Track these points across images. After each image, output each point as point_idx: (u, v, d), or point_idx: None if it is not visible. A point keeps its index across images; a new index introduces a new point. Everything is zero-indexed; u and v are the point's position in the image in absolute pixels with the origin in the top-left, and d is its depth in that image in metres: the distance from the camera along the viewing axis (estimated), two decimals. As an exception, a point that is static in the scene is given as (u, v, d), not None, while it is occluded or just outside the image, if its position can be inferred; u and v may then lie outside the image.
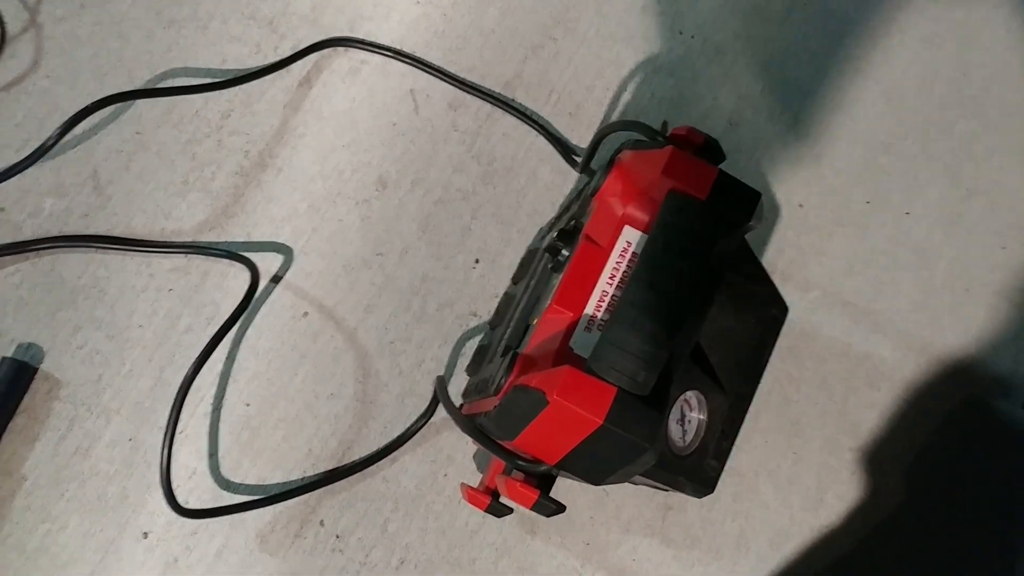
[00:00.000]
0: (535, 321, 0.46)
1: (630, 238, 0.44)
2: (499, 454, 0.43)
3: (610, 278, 0.44)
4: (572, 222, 0.48)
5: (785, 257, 0.68)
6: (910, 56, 0.74)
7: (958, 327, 0.68)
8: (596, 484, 0.43)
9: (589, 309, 0.43)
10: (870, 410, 0.66)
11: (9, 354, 0.56)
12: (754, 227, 0.44)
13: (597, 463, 0.41)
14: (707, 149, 0.45)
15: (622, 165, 0.46)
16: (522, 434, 0.41)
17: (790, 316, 0.66)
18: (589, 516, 0.60)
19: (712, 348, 0.47)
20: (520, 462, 0.44)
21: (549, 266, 0.48)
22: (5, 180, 0.57)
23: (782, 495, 0.63)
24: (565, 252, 0.46)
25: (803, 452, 0.64)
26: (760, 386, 0.64)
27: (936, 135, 0.72)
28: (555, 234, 0.47)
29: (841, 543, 0.63)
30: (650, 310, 0.39)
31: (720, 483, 0.62)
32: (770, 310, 0.51)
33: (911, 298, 0.69)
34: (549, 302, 0.44)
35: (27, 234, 0.58)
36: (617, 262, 0.44)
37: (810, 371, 0.66)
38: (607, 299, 0.44)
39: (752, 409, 0.63)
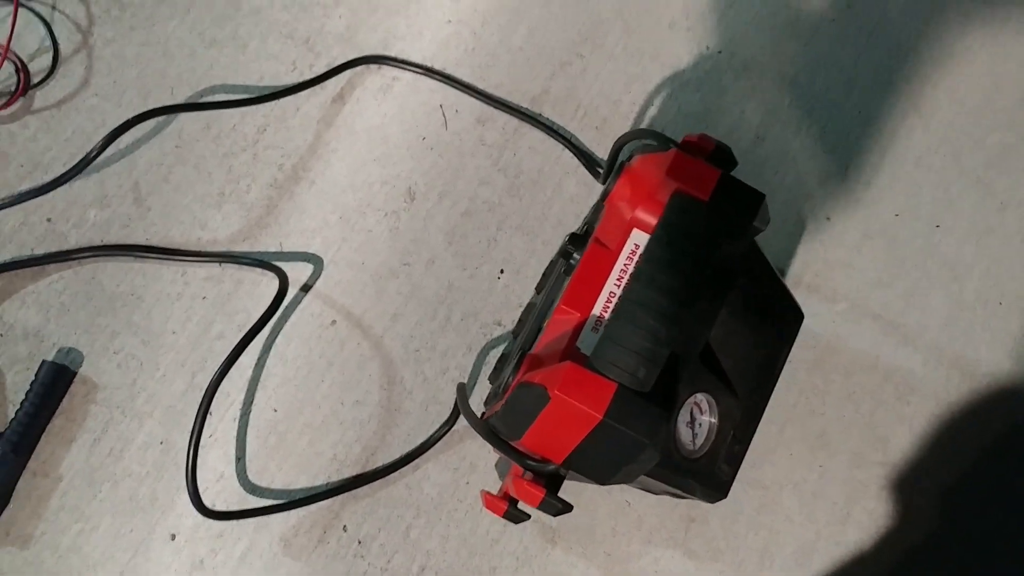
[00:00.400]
0: (546, 323, 0.46)
1: (638, 241, 0.45)
2: (509, 454, 0.44)
3: (618, 280, 0.44)
4: (585, 227, 0.49)
5: (811, 270, 0.67)
6: (941, 69, 0.73)
7: (992, 341, 0.67)
8: (602, 483, 0.43)
9: (596, 310, 0.44)
10: (900, 424, 0.65)
11: (50, 358, 0.58)
12: (761, 229, 0.45)
13: (601, 461, 0.42)
14: (719, 155, 0.46)
15: (631, 170, 0.47)
16: (528, 432, 0.42)
17: (816, 328, 0.66)
18: (611, 526, 0.60)
19: (724, 352, 0.47)
20: (529, 462, 0.44)
21: (563, 270, 0.49)
22: (51, 191, 0.60)
23: (807, 509, 0.62)
24: (576, 256, 0.47)
25: (829, 466, 0.63)
26: (784, 398, 0.64)
27: (968, 147, 0.71)
28: (567, 239, 0.48)
29: (869, 559, 0.62)
30: (650, 307, 0.39)
31: (743, 495, 0.62)
32: (784, 316, 0.51)
33: (942, 311, 0.68)
34: (558, 302, 0.45)
35: (71, 243, 0.61)
36: (625, 264, 0.45)
37: (836, 384, 0.65)
38: (614, 300, 0.44)
39: (776, 421, 0.63)
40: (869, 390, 0.65)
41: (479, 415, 0.54)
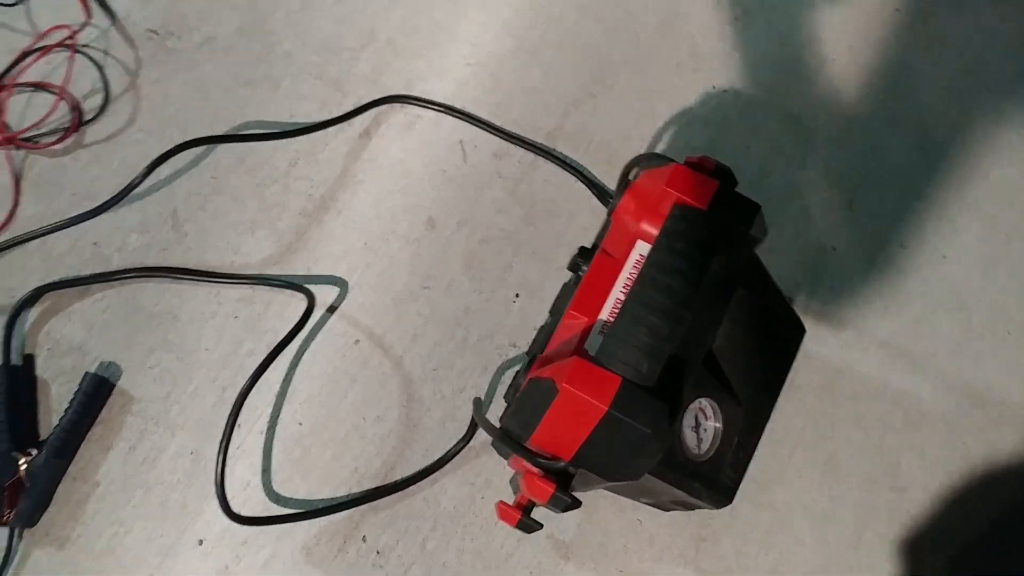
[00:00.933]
0: (556, 329, 0.49)
1: (642, 251, 0.48)
2: (520, 452, 0.46)
3: (623, 288, 0.47)
4: (594, 243, 0.52)
5: (819, 298, 0.70)
6: (942, 106, 0.76)
7: (1001, 368, 0.68)
8: (610, 479, 0.45)
9: (603, 315, 0.47)
10: (909, 450, 0.66)
11: (92, 371, 0.62)
12: (759, 239, 0.47)
13: (608, 454, 0.44)
14: (719, 174, 0.49)
15: (635, 185, 0.50)
16: (538, 429, 0.44)
17: (824, 354, 0.67)
18: (622, 543, 0.62)
19: (727, 361, 0.49)
20: (539, 460, 0.46)
21: (572, 283, 0.51)
22: (97, 216, 0.65)
23: (818, 531, 0.63)
24: (585, 268, 0.50)
25: (839, 490, 0.64)
26: (793, 422, 0.65)
27: (971, 182, 0.74)
28: (577, 252, 0.51)
29: (877, 577, 0.62)
30: (652, 306, 0.42)
31: (754, 515, 0.63)
32: (786, 328, 0.53)
33: (950, 339, 0.69)
34: (567, 308, 0.48)
35: (114, 265, 0.65)
36: (630, 273, 0.47)
37: (845, 409, 0.66)
38: (620, 306, 0.47)
39: (786, 444, 0.65)
40: (878, 416, 0.67)
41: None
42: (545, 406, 0.43)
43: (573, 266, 0.51)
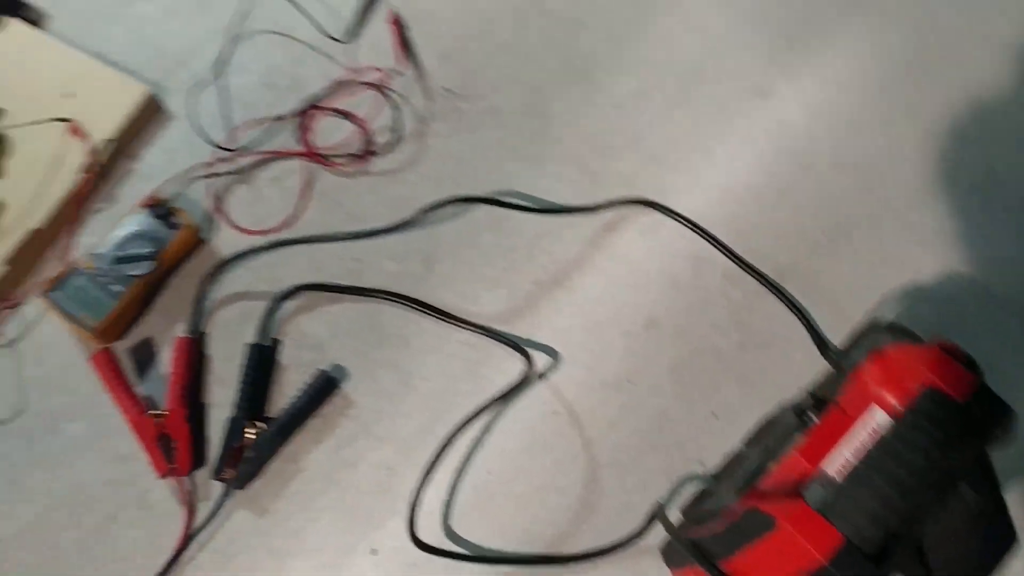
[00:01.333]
0: (772, 465, 0.51)
1: (877, 417, 0.49)
2: (710, 570, 0.48)
3: (852, 447, 0.48)
4: (822, 393, 0.54)
5: None
6: None
7: None
8: (793, 626, 0.46)
9: (827, 467, 0.48)
10: None
11: (326, 369, 0.69)
12: (1002, 444, 0.48)
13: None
14: (970, 366, 0.50)
15: (884, 353, 0.52)
16: (739, 554, 0.46)
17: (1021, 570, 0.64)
18: None
19: (933, 550, 0.49)
20: (727, 582, 0.48)
21: (792, 423, 0.53)
22: (366, 238, 0.73)
23: None
24: (810, 414, 0.51)
25: None
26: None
27: None
28: (810, 398, 0.53)
29: None
30: (891, 478, 0.43)
31: None
32: (999, 532, 0.52)
33: None
34: (790, 450, 0.50)
35: (367, 283, 0.73)
36: (861, 435, 0.49)
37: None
38: (845, 464, 0.48)
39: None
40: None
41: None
42: (754, 536, 0.45)
43: (799, 409, 0.53)
